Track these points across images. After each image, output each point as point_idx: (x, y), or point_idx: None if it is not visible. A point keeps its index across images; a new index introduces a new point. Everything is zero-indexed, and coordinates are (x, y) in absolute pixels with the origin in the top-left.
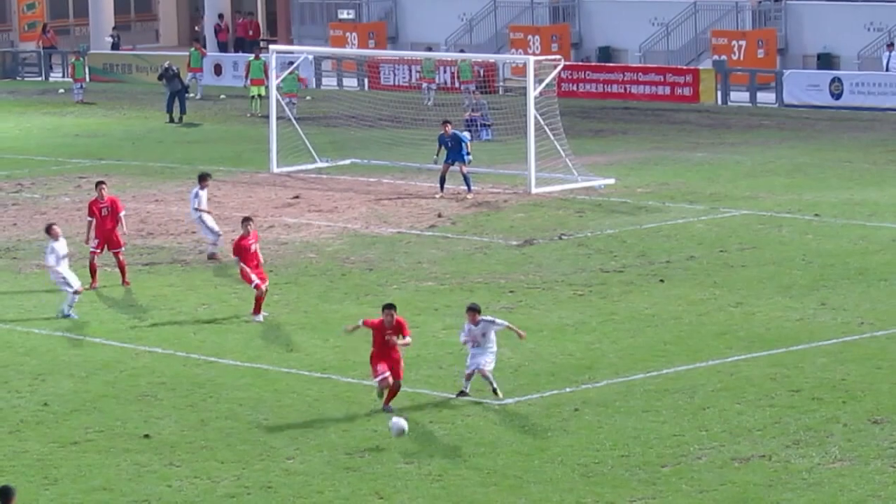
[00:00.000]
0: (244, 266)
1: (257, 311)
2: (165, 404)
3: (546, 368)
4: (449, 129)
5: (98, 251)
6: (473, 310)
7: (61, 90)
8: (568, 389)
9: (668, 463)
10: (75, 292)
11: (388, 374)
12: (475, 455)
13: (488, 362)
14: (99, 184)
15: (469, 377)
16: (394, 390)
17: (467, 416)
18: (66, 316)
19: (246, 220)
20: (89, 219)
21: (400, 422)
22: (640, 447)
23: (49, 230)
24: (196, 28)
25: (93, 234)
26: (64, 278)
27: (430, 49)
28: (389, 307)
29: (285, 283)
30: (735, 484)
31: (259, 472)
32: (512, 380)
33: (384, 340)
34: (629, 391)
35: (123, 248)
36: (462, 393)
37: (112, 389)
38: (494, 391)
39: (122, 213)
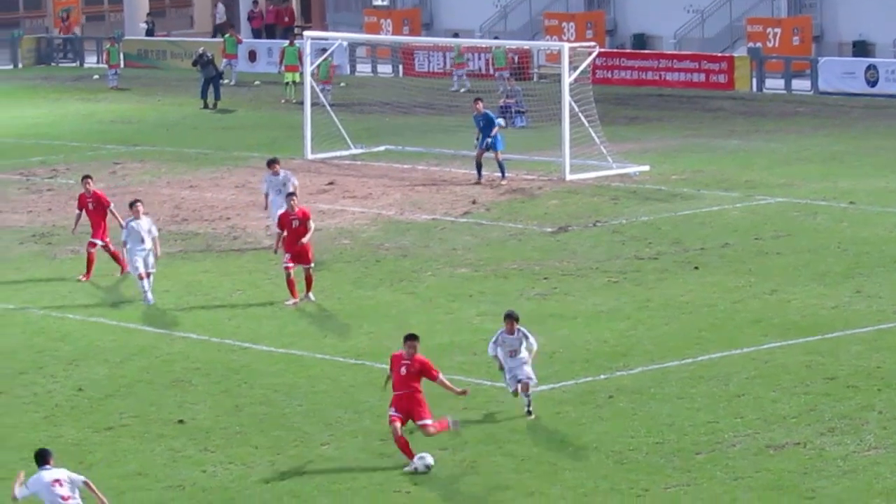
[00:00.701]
0: (279, 244)
1: (295, 293)
2: (200, 390)
3: (580, 355)
4: (480, 106)
5: (104, 244)
6: (512, 318)
7: (96, 76)
8: (602, 376)
9: (703, 450)
10: (139, 277)
11: (397, 417)
12: (509, 442)
13: (531, 375)
14: (84, 178)
15: (517, 391)
16: (435, 430)
17: (501, 403)
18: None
19: (289, 195)
20: (77, 211)
21: (426, 458)
22: (675, 434)
23: (130, 206)
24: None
25: (81, 224)
26: (131, 259)
27: (456, 35)
28: (411, 338)
29: (319, 270)
30: (770, 471)
31: (293, 457)
32: (546, 366)
33: (400, 376)
34: (664, 378)
35: (100, 243)
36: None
37: (147, 375)
38: (529, 412)
39: (111, 207)
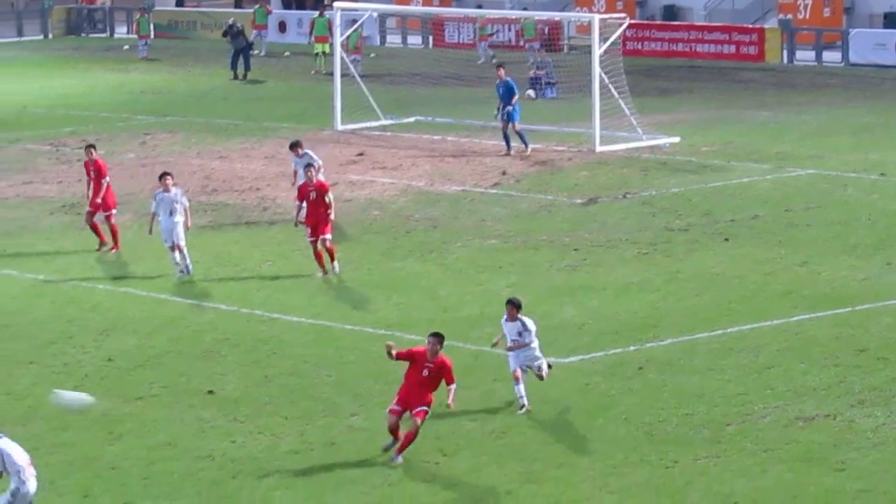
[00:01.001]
0: (300, 215)
1: (323, 264)
2: (229, 360)
3: (610, 327)
4: (502, 73)
5: (92, 211)
6: (514, 304)
7: (126, 47)
8: (632, 348)
9: (733, 422)
10: (171, 249)
11: (400, 409)
12: (539, 413)
13: (539, 359)
14: (87, 146)
15: (517, 378)
16: (410, 437)
17: (531, 375)
18: (181, 274)
19: (307, 167)
20: (87, 177)
21: (71, 400)
22: (705, 406)
23: (159, 178)
24: None
25: (91, 194)
26: (161, 230)
27: (479, 6)
28: (436, 336)
29: (349, 241)
30: (800, 443)
31: (322, 428)
32: (576, 338)
33: (421, 377)
34: (694, 350)
35: (114, 212)
36: (523, 407)
37: (176, 345)
38: (540, 377)
39: (104, 179)
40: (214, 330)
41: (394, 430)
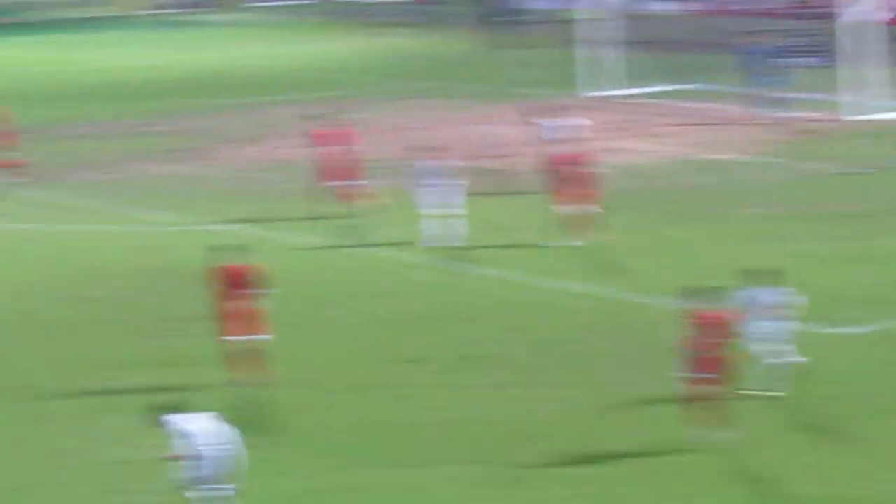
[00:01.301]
0: (552, 184)
1: (584, 234)
2: (493, 326)
3: (888, 296)
4: (756, 40)
5: (322, 181)
6: (751, 274)
7: (372, 12)
8: None
9: None
10: (426, 217)
11: (702, 376)
12: (827, 382)
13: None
14: (308, 118)
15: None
16: (704, 406)
17: (815, 346)
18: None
19: (558, 136)
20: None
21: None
22: None
23: (425, 151)
24: None
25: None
26: (420, 198)
27: None
28: (695, 295)
29: (619, 208)
30: None
31: (588, 397)
32: (853, 308)
33: (704, 343)
34: None
35: (352, 182)
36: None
37: (442, 310)
38: (767, 393)
39: (325, 148)
40: (478, 295)
41: (691, 399)
